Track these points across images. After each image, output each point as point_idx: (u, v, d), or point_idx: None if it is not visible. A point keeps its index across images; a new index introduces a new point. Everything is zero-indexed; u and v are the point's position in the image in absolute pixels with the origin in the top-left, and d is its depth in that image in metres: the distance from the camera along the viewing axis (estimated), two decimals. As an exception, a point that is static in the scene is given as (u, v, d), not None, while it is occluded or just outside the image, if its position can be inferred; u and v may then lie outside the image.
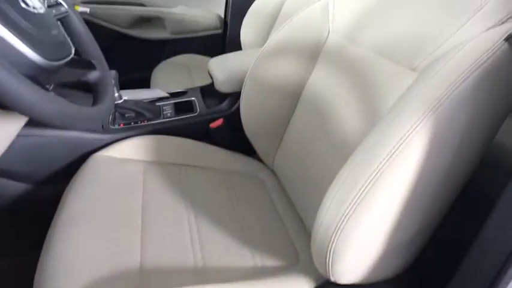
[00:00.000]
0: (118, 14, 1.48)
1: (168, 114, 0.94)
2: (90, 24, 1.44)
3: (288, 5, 1.37)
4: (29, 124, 0.67)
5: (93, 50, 0.64)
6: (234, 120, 0.93)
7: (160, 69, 1.43)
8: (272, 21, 1.42)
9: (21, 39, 0.42)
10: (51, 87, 0.60)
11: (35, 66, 0.44)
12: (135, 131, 0.89)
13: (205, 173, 0.84)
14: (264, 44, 1.45)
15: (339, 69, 0.71)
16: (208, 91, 1.06)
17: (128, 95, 0.98)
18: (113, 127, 0.88)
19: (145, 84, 1.41)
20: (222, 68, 0.95)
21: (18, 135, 0.75)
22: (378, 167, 0.43)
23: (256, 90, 0.84)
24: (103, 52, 1.45)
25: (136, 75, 1.60)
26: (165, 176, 0.79)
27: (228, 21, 1.63)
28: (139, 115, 0.91)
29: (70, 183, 0.74)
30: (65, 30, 0.63)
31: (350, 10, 0.71)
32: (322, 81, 0.75)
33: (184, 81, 1.32)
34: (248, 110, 0.86)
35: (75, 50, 0.61)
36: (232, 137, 0.95)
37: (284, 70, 0.80)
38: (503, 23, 0.45)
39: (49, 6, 0.57)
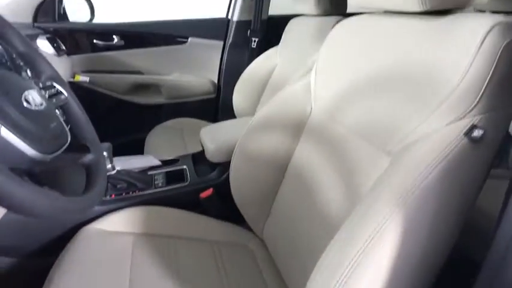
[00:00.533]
0: (116, 82, 1.57)
1: (160, 184, 0.96)
2: (90, 91, 1.52)
3: (277, 73, 1.46)
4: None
5: (89, 133, 0.68)
6: (223, 189, 0.96)
7: (154, 133, 1.48)
8: (262, 88, 1.50)
9: (20, 137, 0.46)
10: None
11: (33, 160, 0.48)
12: (127, 202, 0.90)
13: (194, 245, 0.85)
14: (255, 109, 1.55)
15: (322, 146, 0.75)
16: (200, 159, 1.10)
17: (121, 163, 1.01)
18: (105, 198, 0.90)
19: (140, 145, 1.45)
20: (212, 138, 1.00)
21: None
22: (358, 252, 0.45)
23: (245, 161, 0.88)
24: (101, 118, 1.52)
25: (132, 138, 1.65)
26: (154, 250, 0.79)
27: (221, 86, 1.73)
28: (131, 185, 0.94)
29: (59, 258, 0.74)
30: (64, 114, 0.67)
31: (330, 89, 0.77)
32: (307, 156, 0.79)
33: (177, 145, 1.36)
34: (237, 180, 0.89)
35: (72, 131, 0.65)
36: (222, 206, 0.97)
37: (271, 143, 0.85)
38: (461, 118, 0.49)
39: (50, 97, 0.61)
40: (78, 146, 0.65)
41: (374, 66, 0.66)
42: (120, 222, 0.84)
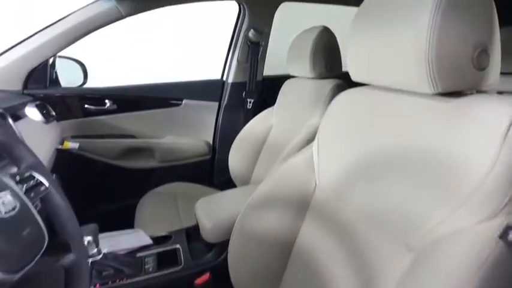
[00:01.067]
0: (107, 147, 1.51)
1: (150, 269, 0.87)
2: (79, 158, 1.46)
3: (273, 134, 1.43)
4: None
5: (71, 228, 0.60)
6: (221, 272, 0.86)
7: (147, 200, 1.40)
8: (259, 148, 1.46)
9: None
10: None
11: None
12: (113, 293, 0.80)
13: None
14: (251, 170, 1.49)
15: (330, 230, 0.68)
16: (194, 235, 1.01)
17: (108, 243, 0.92)
18: (88, 290, 0.80)
19: (132, 212, 1.36)
20: (208, 215, 0.92)
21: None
22: None
23: (245, 242, 0.80)
24: (90, 184, 1.42)
25: (124, 204, 1.56)
26: None
27: (217, 147, 1.68)
28: (118, 272, 0.84)
29: None
30: (45, 205, 0.60)
31: (335, 165, 0.72)
32: (313, 239, 0.72)
33: (170, 215, 1.28)
34: (236, 264, 0.81)
35: (51, 226, 0.57)
36: (221, 291, 0.87)
37: (272, 222, 0.78)
38: (493, 217, 0.44)
39: (28, 190, 0.55)
40: (57, 244, 0.58)
41: (383, 145, 0.61)
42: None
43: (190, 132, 1.67)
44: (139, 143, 1.57)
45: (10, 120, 0.95)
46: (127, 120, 1.58)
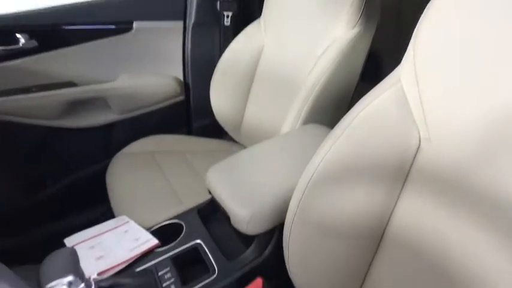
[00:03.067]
0: (40, 104, 1.05)
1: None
2: (2, 125, 1.00)
3: (269, 57, 1.08)
4: None
5: None
6: (269, 272, 0.61)
7: (116, 169, 1.03)
8: (250, 79, 1.12)
9: None
10: None
11: None
12: None
13: None
14: (244, 111, 1.16)
15: (451, 201, 0.43)
16: (212, 216, 0.71)
17: (91, 256, 0.60)
18: None
19: (99, 190, 1.01)
20: (240, 198, 0.60)
21: None
22: None
23: (309, 233, 0.53)
24: (30, 161, 1.02)
25: (80, 176, 1.18)
26: None
27: (190, 84, 1.29)
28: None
29: None
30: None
31: (461, 110, 0.42)
32: (418, 220, 0.47)
33: (158, 186, 0.95)
34: (301, 265, 0.55)
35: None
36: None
37: (351, 201, 0.50)
38: None
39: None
40: None
41: None
42: None
43: (151, 67, 1.24)
44: (84, 92, 1.12)
45: None
46: (57, 62, 1.10)
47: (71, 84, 1.12)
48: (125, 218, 0.78)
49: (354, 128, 0.50)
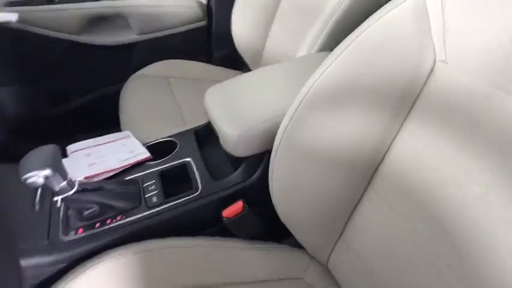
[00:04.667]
0: (62, 17, 1.07)
1: (154, 200, 0.60)
2: (23, 36, 1.04)
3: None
4: None
5: None
6: (255, 197, 0.61)
7: (130, 89, 1.05)
8: (274, 7, 1.04)
9: None
10: None
11: None
12: (104, 239, 0.55)
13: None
14: (266, 38, 1.10)
15: (459, 134, 0.38)
16: (207, 139, 0.72)
17: (83, 160, 0.64)
18: (67, 238, 0.54)
19: (112, 106, 1.05)
20: (230, 117, 0.59)
21: None
22: None
23: (298, 158, 0.51)
24: (48, 74, 1.05)
25: (98, 95, 1.22)
26: None
27: (213, 9, 1.24)
28: (106, 208, 0.57)
29: None
30: None
31: (486, 32, 0.36)
32: (421, 152, 0.42)
33: (167, 108, 0.96)
34: (284, 188, 0.54)
35: None
36: (257, 224, 0.62)
37: (347, 128, 0.47)
38: None
39: None
40: None
41: None
42: (102, 285, 0.50)
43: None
44: (106, 9, 1.11)
45: None
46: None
47: (93, -2, 1.11)
48: (127, 133, 0.81)
49: (359, 43, 0.44)
